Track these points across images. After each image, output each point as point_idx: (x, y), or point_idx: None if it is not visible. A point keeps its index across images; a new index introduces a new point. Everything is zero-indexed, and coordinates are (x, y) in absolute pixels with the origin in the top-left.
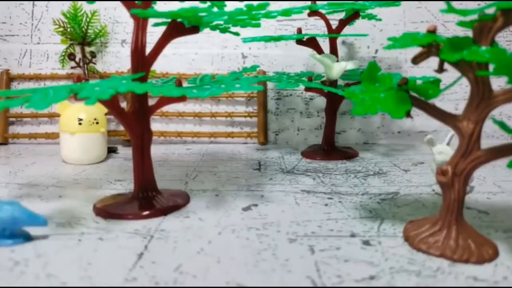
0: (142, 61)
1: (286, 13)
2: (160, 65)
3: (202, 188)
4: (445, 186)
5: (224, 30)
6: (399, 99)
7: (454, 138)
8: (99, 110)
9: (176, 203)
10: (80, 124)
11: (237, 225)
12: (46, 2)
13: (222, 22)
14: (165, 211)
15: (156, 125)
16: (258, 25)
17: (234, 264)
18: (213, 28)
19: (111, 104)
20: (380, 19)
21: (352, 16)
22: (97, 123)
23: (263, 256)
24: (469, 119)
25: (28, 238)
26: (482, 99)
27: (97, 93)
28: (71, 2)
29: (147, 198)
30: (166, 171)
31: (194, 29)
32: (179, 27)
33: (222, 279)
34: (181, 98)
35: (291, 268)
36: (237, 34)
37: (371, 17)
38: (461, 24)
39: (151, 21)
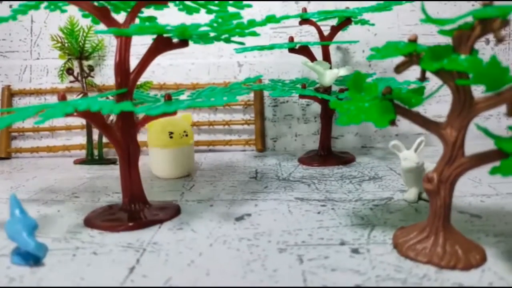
0: (126, 78)
1: (265, 22)
2: (157, 76)
3: (197, 199)
4: (431, 193)
5: (227, 41)
6: (383, 109)
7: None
8: (187, 122)
9: (157, 218)
10: (171, 137)
11: (229, 236)
12: (45, 18)
13: (212, 34)
14: (147, 225)
15: None
16: (254, 34)
17: (223, 276)
18: (216, 39)
19: (94, 118)
20: (372, 24)
21: (344, 23)
22: (186, 135)
23: (252, 267)
24: (452, 127)
25: (37, 260)
26: (464, 107)
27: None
28: (68, 17)
29: (135, 211)
30: (163, 181)
31: (183, 43)
32: (165, 42)
33: None
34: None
35: (278, 279)
36: (242, 43)
37: (363, 22)
38: (441, 32)
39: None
